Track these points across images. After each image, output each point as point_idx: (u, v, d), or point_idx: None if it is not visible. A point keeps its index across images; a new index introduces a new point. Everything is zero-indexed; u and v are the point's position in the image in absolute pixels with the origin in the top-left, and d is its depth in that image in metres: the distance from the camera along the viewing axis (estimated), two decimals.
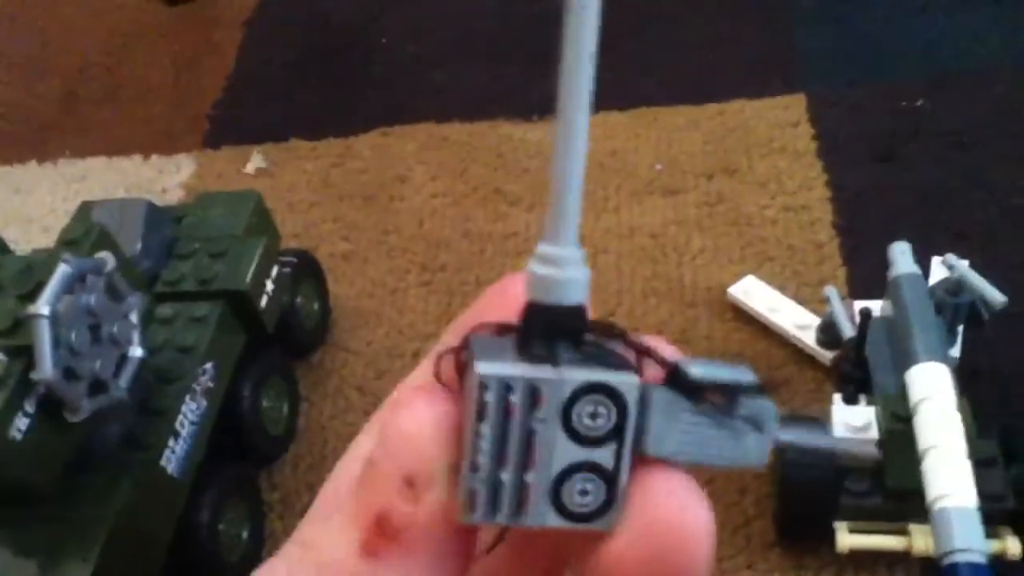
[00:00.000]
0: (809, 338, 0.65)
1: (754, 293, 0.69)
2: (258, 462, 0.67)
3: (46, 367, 0.46)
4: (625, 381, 0.15)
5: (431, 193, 0.85)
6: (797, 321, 0.66)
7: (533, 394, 0.15)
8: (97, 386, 0.51)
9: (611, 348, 0.16)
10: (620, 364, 0.16)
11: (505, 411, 0.15)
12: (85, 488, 0.52)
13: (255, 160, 0.92)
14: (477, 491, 0.15)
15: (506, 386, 0.15)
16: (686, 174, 0.82)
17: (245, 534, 0.62)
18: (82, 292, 0.50)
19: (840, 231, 0.75)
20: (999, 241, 0.67)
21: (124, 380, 0.52)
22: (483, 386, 0.15)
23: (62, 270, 0.48)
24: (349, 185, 0.88)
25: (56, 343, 0.47)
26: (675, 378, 0.16)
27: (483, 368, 0.15)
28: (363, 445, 0.18)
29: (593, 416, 0.15)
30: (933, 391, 0.50)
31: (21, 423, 0.47)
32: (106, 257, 0.53)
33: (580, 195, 0.15)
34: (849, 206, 0.77)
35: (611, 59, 0.95)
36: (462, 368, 0.16)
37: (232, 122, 0.99)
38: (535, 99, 0.93)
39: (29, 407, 0.48)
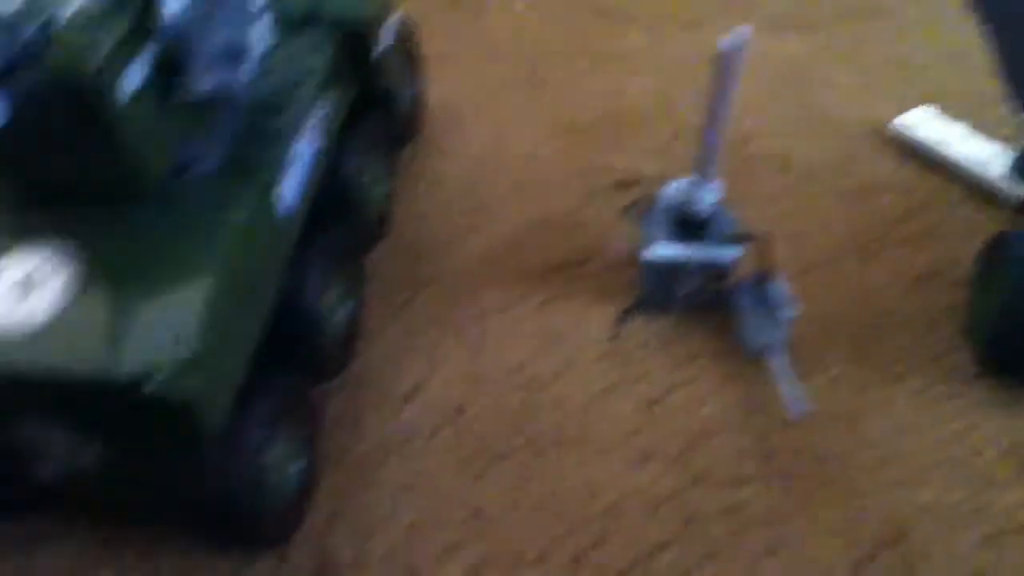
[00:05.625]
0: (992, 172, 0.57)
1: (923, 126, 0.60)
2: (357, 244, 0.59)
3: (172, 5, 0.35)
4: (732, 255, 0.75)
5: (529, 4, 0.75)
6: (977, 154, 0.58)
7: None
8: (221, 60, 0.40)
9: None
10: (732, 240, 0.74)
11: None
12: (196, 203, 0.44)
13: None
14: None
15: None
16: (823, 11, 0.73)
17: (344, 311, 0.60)
18: None
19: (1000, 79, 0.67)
20: None
21: (245, 71, 0.42)
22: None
23: None
24: None
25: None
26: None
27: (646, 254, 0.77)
28: None
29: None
30: None
31: (133, 76, 0.36)
32: None
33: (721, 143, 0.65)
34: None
35: None
36: None
37: None
38: None
39: (144, 63, 0.37)
